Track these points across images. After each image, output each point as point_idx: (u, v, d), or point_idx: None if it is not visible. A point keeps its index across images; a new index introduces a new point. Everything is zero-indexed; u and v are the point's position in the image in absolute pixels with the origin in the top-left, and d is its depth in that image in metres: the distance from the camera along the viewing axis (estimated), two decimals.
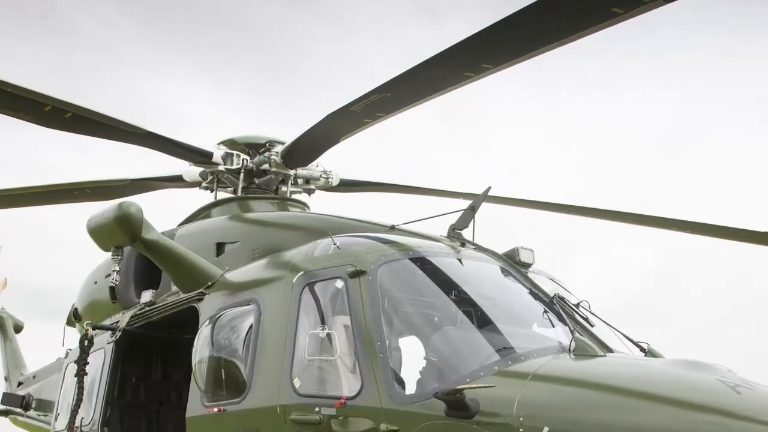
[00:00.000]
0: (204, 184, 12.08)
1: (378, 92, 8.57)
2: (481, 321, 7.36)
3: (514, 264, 8.19)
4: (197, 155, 11.45)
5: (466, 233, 8.48)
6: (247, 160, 11.58)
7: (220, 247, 10.15)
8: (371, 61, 26.49)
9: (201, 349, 8.49)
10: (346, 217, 9.19)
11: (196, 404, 8.42)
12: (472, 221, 8.44)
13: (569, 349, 6.88)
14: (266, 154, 11.50)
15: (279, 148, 11.44)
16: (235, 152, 11.58)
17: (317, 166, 12.09)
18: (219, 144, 11.78)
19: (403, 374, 7.11)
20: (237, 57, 27.22)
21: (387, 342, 7.02)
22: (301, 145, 10.71)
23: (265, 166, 11.52)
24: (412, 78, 8.21)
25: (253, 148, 11.73)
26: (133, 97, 26.35)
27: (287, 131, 11.48)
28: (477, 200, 8.53)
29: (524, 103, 25.98)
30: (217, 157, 11.50)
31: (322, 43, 27.18)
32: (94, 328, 9.84)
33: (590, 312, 7.74)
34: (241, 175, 11.54)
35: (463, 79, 8.07)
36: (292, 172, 11.70)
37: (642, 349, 7.72)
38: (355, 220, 9.00)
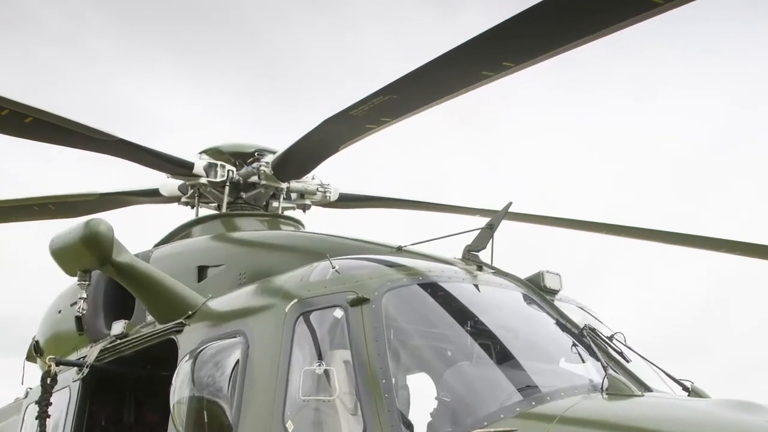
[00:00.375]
0: (184, 199, 12.11)
1: (383, 94, 8.60)
2: (501, 356, 7.38)
3: (538, 290, 8.23)
4: (176, 166, 11.49)
5: (484, 255, 8.51)
6: (232, 171, 11.63)
7: (202, 271, 10.18)
8: (375, 58, 26.46)
9: (180, 388, 8.48)
10: (346, 237, 9.23)
11: None
12: (490, 241, 8.46)
13: (601, 388, 6.92)
14: (255, 164, 11.55)
15: (269, 158, 11.50)
16: (219, 163, 11.62)
17: (313, 178, 12.13)
18: (201, 153, 11.80)
19: (412, 416, 7.12)
20: (223, 54, 27.13)
21: (393, 380, 7.04)
22: (295, 154, 10.77)
23: (254, 179, 11.58)
24: (422, 78, 8.24)
25: (240, 157, 11.77)
26: (103, 99, 26.28)
27: (279, 138, 11.55)
28: (496, 218, 8.58)
29: (550, 105, 25.91)
30: (198, 168, 11.56)
31: (319, 38, 27.17)
32: (57, 364, 9.77)
33: (625, 345, 7.76)
34: (226, 188, 11.58)
35: (481, 79, 8.10)
36: (284, 185, 11.77)
37: (685, 388, 7.74)
38: (356, 240, 9.05)
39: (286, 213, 11.97)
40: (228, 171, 11.60)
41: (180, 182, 11.93)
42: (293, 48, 27.26)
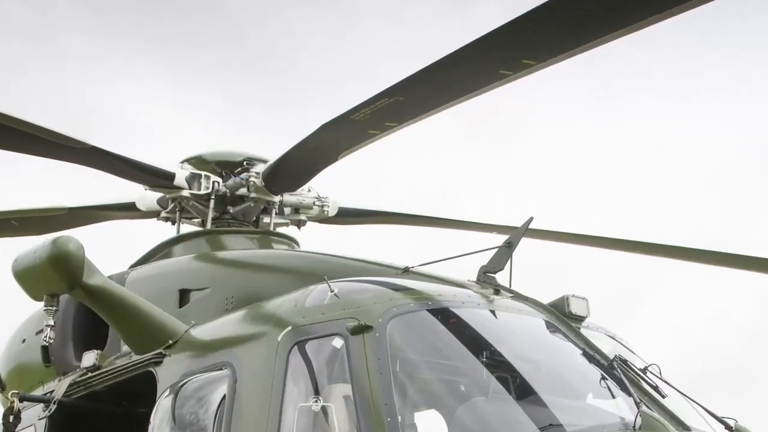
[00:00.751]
0: (163, 214, 12.12)
1: (388, 96, 8.62)
2: (521, 390, 7.46)
3: (562, 317, 8.27)
4: (155, 177, 11.47)
5: (502, 277, 8.56)
6: (218, 183, 11.64)
7: (184, 296, 10.19)
8: (378, 56, 26.27)
9: (159, 427, 8.47)
10: (346, 257, 9.30)
11: None
12: (508, 261, 8.48)
13: (634, 427, 6.96)
14: (244, 175, 11.55)
15: (260, 168, 11.50)
16: (203, 173, 11.63)
17: (309, 190, 12.12)
18: (183, 162, 11.82)
19: None
20: (209, 51, 26.68)
21: (399, 417, 7.09)
22: (289, 164, 10.79)
23: (243, 191, 11.58)
24: (432, 77, 8.27)
25: (227, 167, 11.78)
26: (74, 101, 26.19)
27: (271, 146, 11.61)
28: (515, 235, 8.62)
29: (574, 108, 25.51)
30: (180, 179, 11.54)
31: (317, 32, 27.02)
32: (21, 400, 9.73)
33: (661, 378, 7.82)
34: (211, 202, 11.59)
35: (498, 79, 8.13)
36: (276, 198, 11.75)
37: (728, 427, 7.74)
38: (358, 261, 9.13)
39: (279, 230, 11.97)
40: (213, 182, 11.60)
41: (159, 195, 11.91)
42: (287, 44, 27.12)
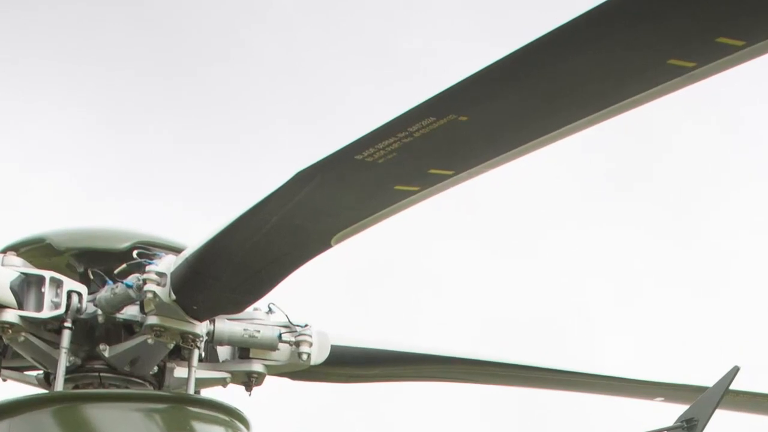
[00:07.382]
0: None
1: (434, 113, 8.12)
2: None
3: None
4: None
5: None
6: (80, 295, 11.15)
7: None
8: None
9: None
10: None
11: None
12: None
13: None
14: (132, 279, 10.94)
15: (166, 264, 10.94)
16: (48, 274, 11.15)
17: (270, 311, 11.80)
18: (5, 253, 11.45)
19: None
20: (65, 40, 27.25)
21: None
22: (227, 255, 10.31)
23: (131, 313, 11.15)
24: (531, 71, 7.79)
25: (98, 262, 11.45)
26: None
27: (194, 216, 11.45)
28: (704, 403, 8.63)
29: None
30: None
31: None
32: None
33: None
34: (65, 335, 11.06)
35: (671, 76, 7.61)
36: (200, 328, 11.27)
37: None
38: None
39: (206, 392, 11.85)
40: (70, 295, 11.11)
41: None
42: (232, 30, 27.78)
